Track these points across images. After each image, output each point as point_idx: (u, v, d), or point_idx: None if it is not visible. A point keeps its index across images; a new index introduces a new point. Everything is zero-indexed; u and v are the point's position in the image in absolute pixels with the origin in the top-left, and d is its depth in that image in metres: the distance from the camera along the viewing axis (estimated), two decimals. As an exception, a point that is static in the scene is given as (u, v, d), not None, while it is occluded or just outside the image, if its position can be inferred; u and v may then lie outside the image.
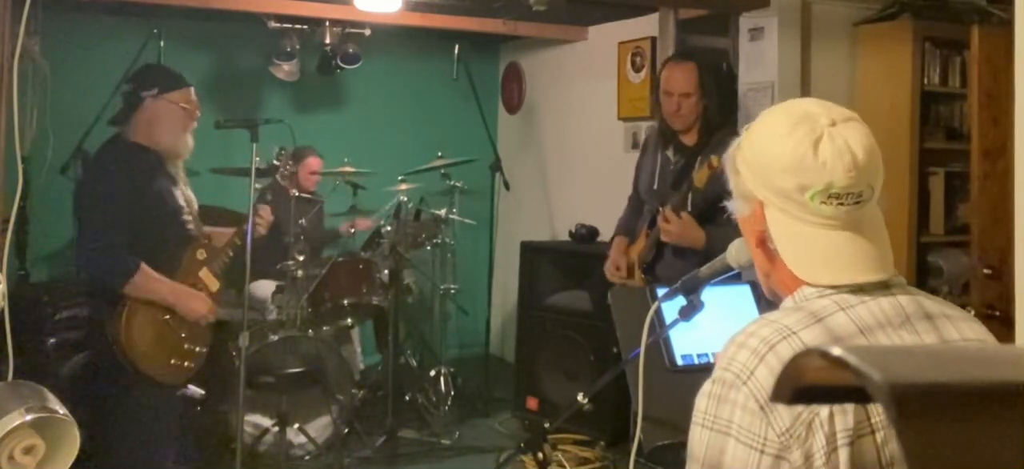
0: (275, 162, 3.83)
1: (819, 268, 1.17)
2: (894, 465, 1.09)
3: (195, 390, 3.24)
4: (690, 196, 3.32)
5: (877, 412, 1.09)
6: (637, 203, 3.73)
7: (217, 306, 3.29)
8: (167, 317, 3.14)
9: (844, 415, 1.07)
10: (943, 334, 1.19)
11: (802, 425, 1.07)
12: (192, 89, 3.26)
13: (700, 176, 3.19)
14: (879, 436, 1.09)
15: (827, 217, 1.15)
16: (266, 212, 3.61)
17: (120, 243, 3.03)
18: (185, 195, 3.26)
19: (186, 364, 3.19)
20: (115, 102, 3.43)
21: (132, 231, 3.05)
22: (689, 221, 3.30)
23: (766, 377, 1.09)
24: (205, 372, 3.35)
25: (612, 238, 3.76)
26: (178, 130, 3.19)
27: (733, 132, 3.44)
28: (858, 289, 1.17)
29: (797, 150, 1.14)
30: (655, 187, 3.55)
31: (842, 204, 1.14)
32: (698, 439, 1.14)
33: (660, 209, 3.41)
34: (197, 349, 3.23)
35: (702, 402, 1.15)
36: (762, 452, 1.08)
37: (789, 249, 1.19)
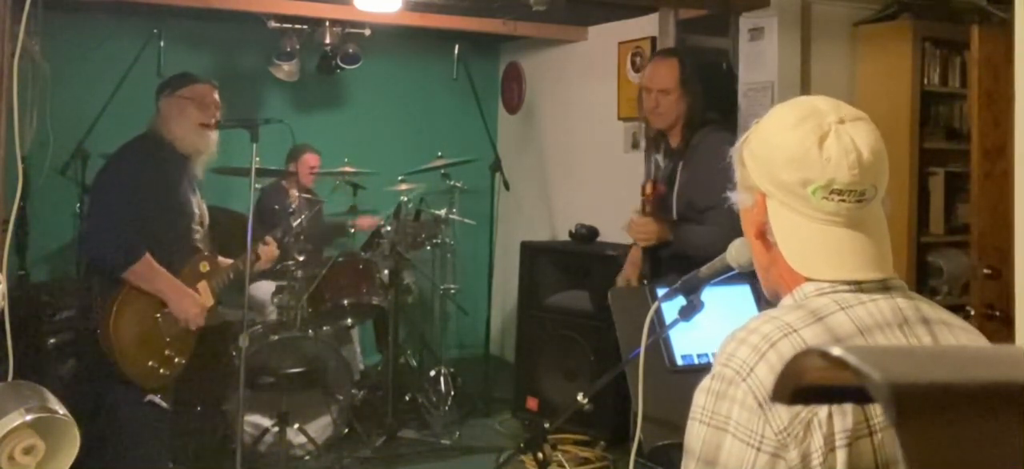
0: (290, 170, 3.83)
1: (818, 263, 1.17)
2: (890, 467, 1.09)
3: (160, 400, 3.24)
4: (674, 203, 3.30)
5: (876, 414, 1.09)
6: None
7: (206, 317, 3.31)
8: (157, 316, 3.16)
9: (843, 416, 1.07)
10: (939, 340, 1.19)
11: (800, 424, 1.07)
12: (205, 85, 3.31)
13: (645, 198, 3.22)
14: (877, 438, 1.08)
15: (828, 213, 1.16)
16: (271, 246, 3.64)
17: (130, 228, 3.07)
18: (200, 206, 3.31)
19: (162, 370, 3.20)
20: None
21: (144, 223, 3.09)
22: (647, 220, 3.26)
23: (766, 374, 1.09)
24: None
25: (631, 247, 3.66)
26: (191, 125, 3.24)
27: (720, 129, 3.43)
28: (857, 289, 1.17)
29: (802, 144, 1.15)
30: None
31: (844, 201, 1.14)
32: (695, 434, 1.13)
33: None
34: (176, 359, 3.24)
35: (701, 398, 1.14)
36: (759, 450, 1.07)
37: (788, 242, 1.19)
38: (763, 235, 1.22)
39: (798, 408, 1.06)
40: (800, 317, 1.14)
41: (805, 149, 1.14)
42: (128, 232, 3.08)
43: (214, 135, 3.31)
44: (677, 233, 3.22)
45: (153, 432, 3.26)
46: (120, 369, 3.09)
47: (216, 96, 3.35)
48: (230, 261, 3.47)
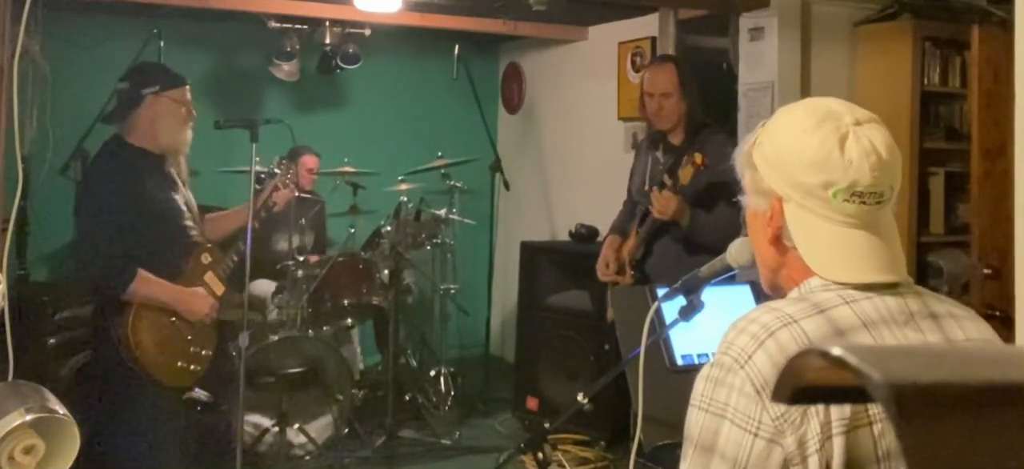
0: (275, 171, 3.77)
1: (838, 265, 1.18)
2: (891, 457, 1.09)
3: (201, 393, 3.25)
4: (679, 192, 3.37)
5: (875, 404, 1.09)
6: (630, 205, 3.77)
7: (218, 306, 3.29)
8: (173, 319, 3.13)
9: (840, 405, 1.07)
10: (948, 333, 1.19)
11: (797, 411, 1.08)
12: (188, 87, 3.26)
13: (685, 173, 3.27)
14: (877, 427, 1.09)
15: (849, 215, 1.16)
16: (285, 189, 3.60)
17: (116, 250, 3.00)
18: (186, 199, 3.25)
19: (192, 367, 3.19)
20: (112, 101, 3.42)
21: (133, 236, 3.03)
22: (672, 196, 3.35)
23: (764, 362, 1.10)
24: (207, 373, 3.34)
25: (605, 237, 3.79)
26: (178, 128, 3.19)
27: (720, 130, 3.53)
28: (866, 286, 1.17)
29: (824, 146, 1.14)
30: (646, 188, 3.58)
31: (864, 203, 1.15)
32: (694, 420, 1.15)
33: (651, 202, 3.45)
34: (202, 352, 3.22)
35: (700, 385, 1.16)
36: (756, 436, 1.08)
37: (808, 245, 1.19)
38: (778, 240, 1.22)
39: None
40: (802, 309, 1.14)
41: (827, 151, 1.14)
42: (116, 254, 3.00)
43: (190, 134, 3.25)
44: (692, 217, 3.35)
45: (188, 425, 3.28)
46: (152, 377, 3.07)
47: (190, 95, 3.30)
48: (233, 222, 3.42)
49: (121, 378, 3.06)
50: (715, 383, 1.13)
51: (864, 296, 1.16)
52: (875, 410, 1.09)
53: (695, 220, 3.34)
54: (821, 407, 1.07)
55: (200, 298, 3.19)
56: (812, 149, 1.15)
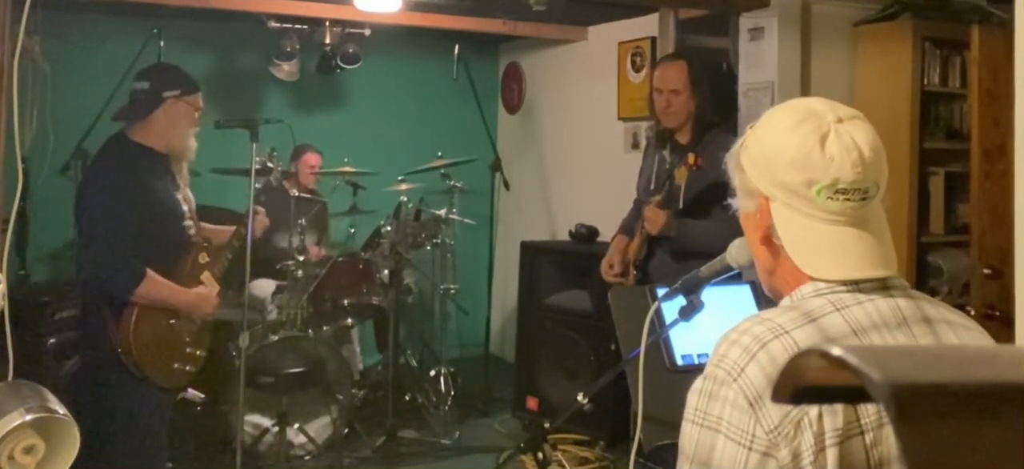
0: (268, 164, 3.74)
1: (825, 263, 1.18)
2: (883, 466, 1.09)
3: (195, 393, 3.25)
4: (681, 193, 3.39)
5: (867, 413, 1.09)
6: (638, 205, 3.77)
7: (219, 305, 3.30)
8: (172, 321, 3.13)
9: (833, 415, 1.07)
10: (941, 339, 1.19)
11: (790, 423, 1.07)
12: (201, 94, 3.27)
13: (680, 174, 3.30)
14: (868, 437, 1.09)
15: (833, 213, 1.16)
16: (260, 215, 3.58)
17: (126, 250, 3.00)
18: (186, 197, 3.25)
19: (188, 368, 3.20)
20: (120, 98, 3.39)
21: (136, 235, 3.02)
22: (660, 211, 3.38)
23: (756, 375, 1.10)
24: (205, 373, 3.35)
25: (613, 237, 3.79)
26: (190, 133, 3.18)
27: (727, 130, 3.54)
28: (856, 289, 1.17)
29: (804, 145, 1.15)
30: (652, 187, 3.58)
31: (849, 200, 1.15)
32: (689, 435, 1.14)
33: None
34: (198, 353, 3.23)
35: (693, 399, 1.15)
36: (750, 449, 1.08)
37: (794, 244, 1.19)
38: (768, 239, 1.23)
39: (788, 407, 1.07)
40: (792, 319, 1.14)
41: (807, 150, 1.15)
42: (125, 256, 2.99)
43: (195, 142, 3.24)
44: (679, 227, 3.36)
45: (184, 425, 3.26)
46: (149, 378, 3.07)
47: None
48: (223, 238, 3.42)
49: (116, 378, 3.06)
50: (709, 397, 1.13)
51: (855, 301, 1.16)
52: (867, 419, 1.09)
53: (685, 232, 3.35)
54: (815, 418, 1.07)
55: (205, 297, 3.20)
56: (793, 148, 1.16)
